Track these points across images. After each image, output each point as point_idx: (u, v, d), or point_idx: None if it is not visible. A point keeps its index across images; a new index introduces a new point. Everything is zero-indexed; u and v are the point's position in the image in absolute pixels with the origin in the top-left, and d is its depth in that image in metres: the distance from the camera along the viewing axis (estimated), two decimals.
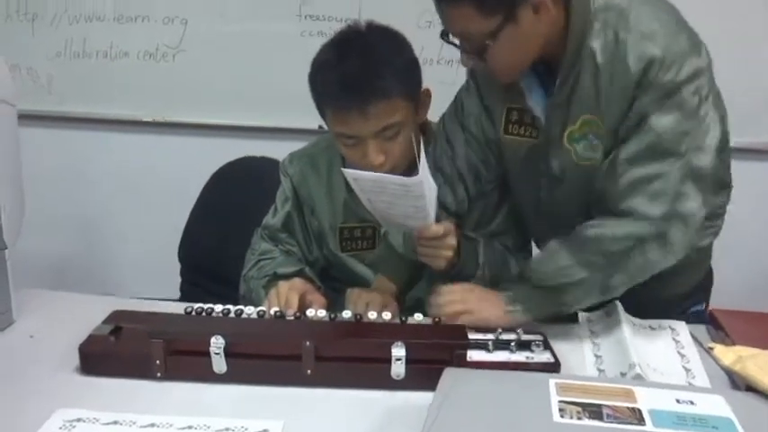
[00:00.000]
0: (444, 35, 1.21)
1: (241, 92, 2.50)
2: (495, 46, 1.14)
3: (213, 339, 1.08)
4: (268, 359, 1.09)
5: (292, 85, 2.46)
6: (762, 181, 2.40)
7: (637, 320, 1.31)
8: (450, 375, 0.98)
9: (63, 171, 2.61)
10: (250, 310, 1.20)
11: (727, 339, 1.22)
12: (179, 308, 1.29)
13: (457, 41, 1.19)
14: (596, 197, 1.23)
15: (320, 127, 2.54)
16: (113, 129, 2.58)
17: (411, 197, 1.16)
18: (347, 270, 1.49)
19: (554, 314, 1.24)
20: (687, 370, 1.18)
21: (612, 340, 1.25)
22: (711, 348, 1.12)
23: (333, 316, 1.19)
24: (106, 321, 1.19)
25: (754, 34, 2.32)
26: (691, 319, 1.39)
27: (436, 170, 1.38)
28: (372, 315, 1.20)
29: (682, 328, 1.30)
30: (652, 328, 1.31)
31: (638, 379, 1.09)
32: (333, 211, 1.48)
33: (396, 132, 1.30)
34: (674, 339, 1.27)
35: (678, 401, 0.92)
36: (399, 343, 1.09)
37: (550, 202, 1.33)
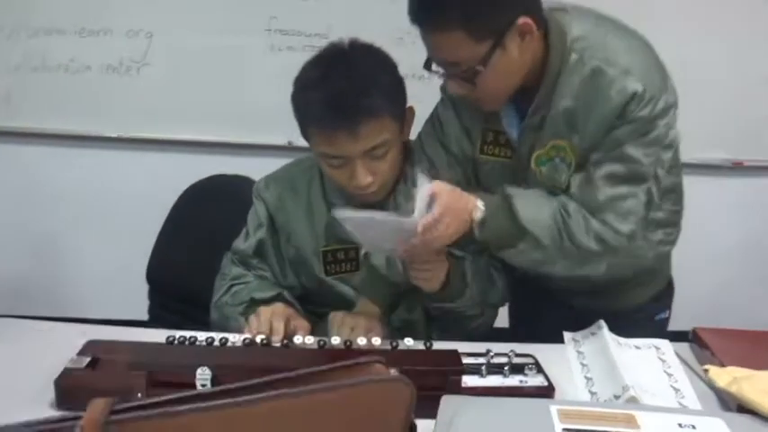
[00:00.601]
0: (427, 65, 1.22)
1: (208, 107, 2.45)
2: (486, 71, 1.16)
3: (199, 371, 1.04)
4: None
5: (261, 101, 2.47)
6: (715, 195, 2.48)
7: (622, 339, 1.31)
8: (448, 404, 0.96)
9: (23, 188, 2.53)
10: (235, 338, 1.16)
11: (714, 359, 1.23)
12: (156, 335, 1.25)
13: (441, 70, 1.20)
14: None
15: (289, 143, 2.54)
16: (76, 145, 2.51)
17: (405, 233, 1.14)
18: (334, 293, 1.45)
19: (494, 247, 1.25)
20: (676, 390, 1.18)
21: (601, 362, 1.24)
22: (706, 371, 1.13)
23: (322, 343, 1.16)
24: (82, 352, 1.13)
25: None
26: (657, 326, 1.45)
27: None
28: (362, 341, 1.17)
29: (666, 346, 1.30)
30: (637, 348, 1.30)
31: (633, 401, 1.08)
32: (314, 235, 1.44)
33: (384, 152, 1.28)
34: (659, 359, 1.27)
35: (680, 426, 0.91)
36: (393, 370, 1.06)
37: None
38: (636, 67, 1.18)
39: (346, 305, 1.38)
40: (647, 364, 1.25)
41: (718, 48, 2.45)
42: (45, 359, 1.14)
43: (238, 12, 2.39)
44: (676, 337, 1.36)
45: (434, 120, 1.40)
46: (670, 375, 1.22)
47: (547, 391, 1.11)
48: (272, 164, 2.41)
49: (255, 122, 2.48)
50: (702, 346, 1.29)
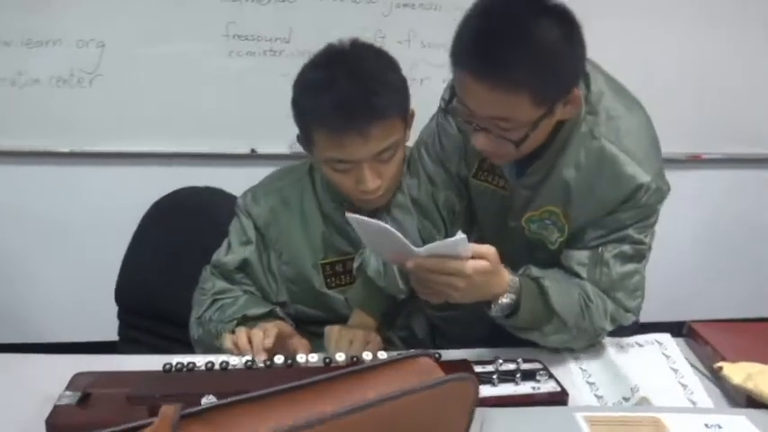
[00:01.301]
0: (448, 107, 1.17)
1: (167, 117, 2.36)
2: (532, 135, 1.10)
3: (204, 399, 0.98)
4: None
5: (222, 109, 2.40)
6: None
7: (624, 340, 1.30)
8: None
9: None
10: (235, 361, 1.10)
11: (717, 355, 1.23)
12: (142, 362, 1.18)
13: (467, 119, 1.13)
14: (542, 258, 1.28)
15: (252, 151, 2.47)
16: (26, 162, 2.37)
17: (405, 255, 1.09)
18: (331, 308, 1.40)
19: (519, 329, 1.20)
20: (684, 386, 1.18)
21: (601, 364, 1.24)
22: (720, 368, 1.12)
23: (327, 360, 1.11)
24: (70, 387, 1.06)
25: None
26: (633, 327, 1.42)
27: (413, 201, 1.35)
28: (368, 356, 1.13)
29: (669, 342, 1.30)
30: (639, 345, 1.30)
31: (644, 402, 1.07)
32: (311, 248, 1.39)
33: (392, 154, 1.25)
34: (663, 354, 1.27)
35: (707, 426, 0.91)
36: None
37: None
38: (644, 155, 1.17)
39: (344, 320, 1.33)
40: (650, 361, 1.25)
41: (677, 41, 2.50)
42: (27, 396, 1.07)
43: (194, 17, 2.30)
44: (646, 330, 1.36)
45: (436, 136, 1.34)
46: (676, 371, 1.22)
47: (560, 397, 1.09)
48: (237, 173, 2.37)
49: (217, 131, 2.41)
50: (700, 341, 1.29)
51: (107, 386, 1.06)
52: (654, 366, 1.23)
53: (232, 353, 1.19)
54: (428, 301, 1.18)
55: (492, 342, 1.35)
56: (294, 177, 1.42)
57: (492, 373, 1.11)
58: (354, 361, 1.11)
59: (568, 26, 1.05)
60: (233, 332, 1.28)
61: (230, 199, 1.69)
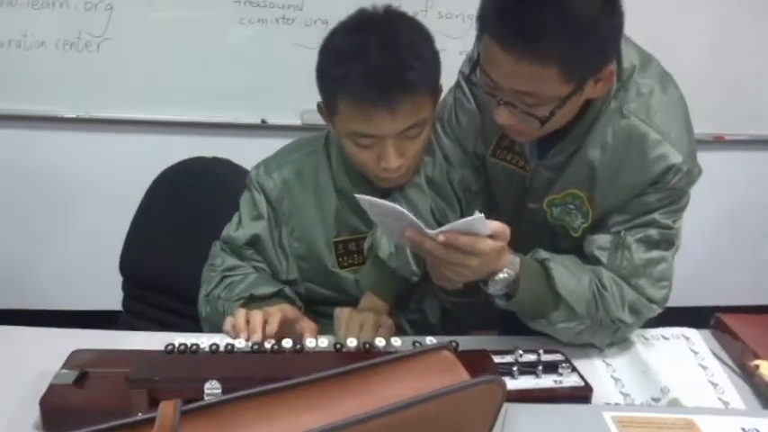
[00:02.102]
0: (471, 74, 1.09)
1: (175, 85, 2.29)
2: (558, 113, 1.03)
3: (207, 385, 0.92)
4: None
5: (231, 77, 2.33)
6: None
7: (648, 331, 1.24)
8: None
9: None
10: (241, 344, 1.04)
11: (747, 350, 1.17)
12: (143, 339, 1.13)
13: (491, 90, 1.05)
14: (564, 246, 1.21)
15: (263, 121, 2.40)
16: (31, 126, 2.31)
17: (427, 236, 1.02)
18: (341, 289, 1.34)
19: (526, 314, 1.15)
20: (714, 384, 1.12)
21: (627, 359, 1.18)
22: (757, 366, 1.06)
23: (339, 346, 1.05)
24: (67, 365, 1.00)
25: None
26: None
27: (428, 180, 1.28)
28: (381, 342, 1.07)
29: (696, 336, 1.24)
30: (665, 338, 1.24)
31: (675, 404, 1.01)
32: (325, 225, 1.32)
33: (418, 132, 1.18)
34: (691, 350, 1.21)
35: (744, 430, 0.85)
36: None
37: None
38: (676, 134, 1.10)
39: (355, 301, 1.27)
40: (678, 357, 1.19)
41: (703, 20, 2.40)
42: (21, 372, 1.02)
43: None
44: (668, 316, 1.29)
45: (452, 112, 1.27)
46: (705, 369, 1.16)
47: (584, 392, 1.03)
48: (246, 144, 2.30)
49: (226, 100, 2.33)
50: (730, 335, 1.23)
51: (106, 365, 1.00)
52: (682, 363, 1.17)
53: (230, 334, 1.13)
54: (442, 286, 1.12)
55: (505, 330, 1.29)
56: (309, 150, 1.35)
57: (512, 364, 1.05)
58: (367, 348, 1.05)
59: None
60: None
61: (239, 171, 1.63)
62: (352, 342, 1.06)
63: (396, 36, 1.14)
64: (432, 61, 1.18)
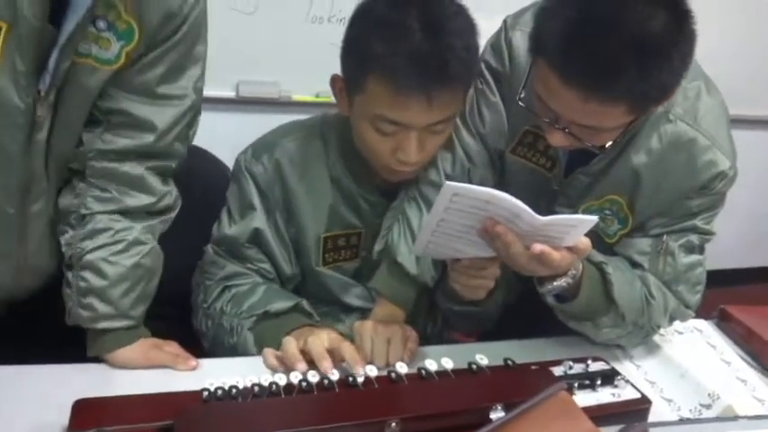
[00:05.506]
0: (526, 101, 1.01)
1: None
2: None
3: None
4: None
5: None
6: None
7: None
8: None
9: None
10: (281, 380, 0.91)
11: (753, 336, 1.20)
12: (159, 380, 0.96)
13: (550, 118, 0.98)
14: None
15: (238, 95, 2.10)
16: None
17: (521, 225, 0.89)
18: (322, 285, 1.24)
19: (571, 316, 1.10)
20: (743, 381, 1.13)
21: (656, 360, 1.17)
22: None
23: (394, 376, 0.95)
24: (76, 425, 0.82)
25: None
26: None
27: (447, 179, 1.17)
28: (432, 365, 0.97)
29: (708, 329, 1.26)
30: (679, 333, 1.25)
31: (730, 412, 1.01)
32: (315, 219, 1.20)
33: (445, 127, 1.09)
34: (708, 344, 1.22)
35: None
36: (498, 406, 0.89)
37: None
38: (723, 138, 1.07)
39: (335, 301, 1.22)
40: (701, 353, 1.20)
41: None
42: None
43: None
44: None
45: (474, 105, 1.16)
46: (728, 364, 1.17)
47: (642, 405, 1.00)
48: (220, 119, 2.02)
49: None
50: (741, 326, 1.25)
51: (123, 420, 0.83)
52: (708, 361, 1.17)
53: (276, 370, 0.99)
54: (456, 295, 1.10)
55: (499, 336, 1.24)
56: (301, 134, 1.21)
57: (568, 378, 1.00)
58: (421, 374, 0.96)
59: (682, 15, 0.89)
60: (252, 329, 1.11)
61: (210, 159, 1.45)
62: (402, 367, 0.96)
63: (444, 20, 1.02)
64: (475, 53, 1.07)
